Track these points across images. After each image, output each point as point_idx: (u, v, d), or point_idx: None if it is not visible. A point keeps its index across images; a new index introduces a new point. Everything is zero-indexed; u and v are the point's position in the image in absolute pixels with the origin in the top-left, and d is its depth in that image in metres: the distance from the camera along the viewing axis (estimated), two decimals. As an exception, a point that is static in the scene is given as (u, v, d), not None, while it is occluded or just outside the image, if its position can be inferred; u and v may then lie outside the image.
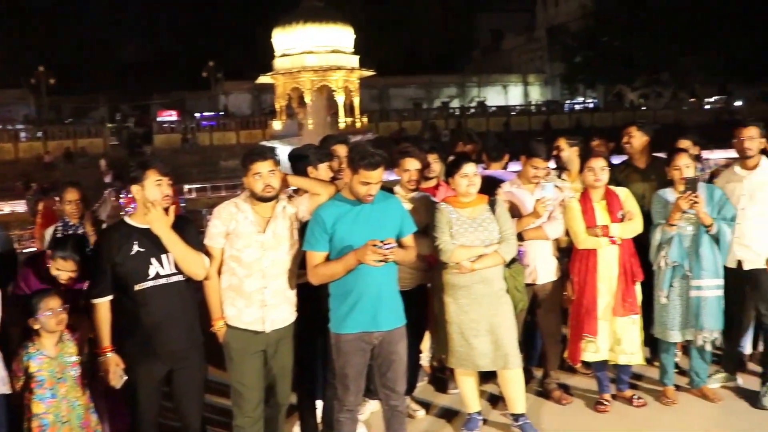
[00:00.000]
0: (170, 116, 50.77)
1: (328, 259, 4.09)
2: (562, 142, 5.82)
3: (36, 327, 3.99)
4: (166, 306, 4.02)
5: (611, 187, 5.13)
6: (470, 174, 4.61)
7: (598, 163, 5.03)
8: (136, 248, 3.97)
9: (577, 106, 59.26)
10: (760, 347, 5.60)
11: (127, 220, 4.09)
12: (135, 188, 3.99)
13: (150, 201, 3.94)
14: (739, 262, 5.17)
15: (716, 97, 58.31)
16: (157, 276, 4.01)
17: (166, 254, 4.01)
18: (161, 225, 3.95)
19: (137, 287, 3.98)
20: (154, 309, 4.00)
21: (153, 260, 4.00)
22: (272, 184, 4.07)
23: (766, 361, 5.23)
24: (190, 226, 4.21)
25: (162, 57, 65.69)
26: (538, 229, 5.08)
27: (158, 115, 51.44)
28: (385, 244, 3.82)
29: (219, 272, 4.20)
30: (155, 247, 3.99)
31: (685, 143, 5.73)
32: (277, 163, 4.17)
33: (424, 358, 5.68)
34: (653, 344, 5.42)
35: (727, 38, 49.29)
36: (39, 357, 4.01)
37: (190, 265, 4.03)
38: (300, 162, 4.73)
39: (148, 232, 3.99)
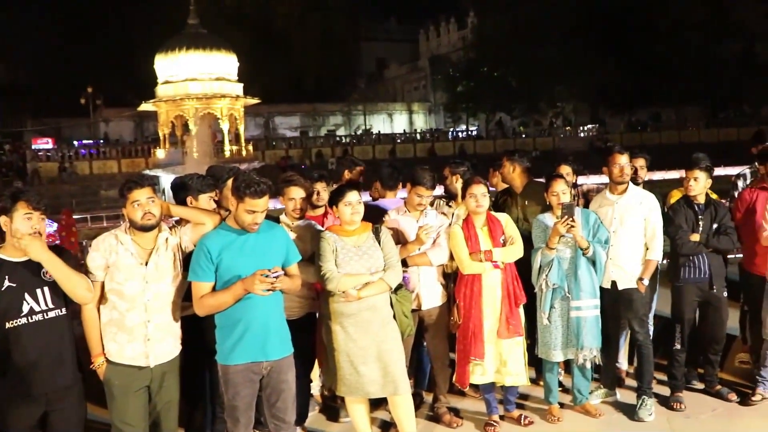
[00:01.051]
0: (46, 144, 48.51)
1: (214, 289, 4.00)
2: (447, 171, 5.96)
3: None
4: (42, 344, 3.78)
5: (492, 213, 5.28)
6: (354, 202, 4.62)
7: (479, 189, 5.16)
8: (6, 283, 3.73)
9: (460, 134, 60.93)
10: (636, 362, 5.87)
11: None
12: (3, 219, 3.76)
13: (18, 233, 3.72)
14: (614, 283, 5.42)
15: (590, 126, 61.48)
16: (32, 312, 3.77)
17: (41, 288, 3.79)
18: (38, 248, 3.70)
19: (9, 325, 3.73)
20: (28, 347, 3.75)
21: (26, 295, 3.76)
22: (152, 212, 3.95)
23: (640, 376, 5.49)
24: (68, 255, 3.99)
25: (36, 81, 62.74)
26: (422, 256, 5.15)
27: (33, 143, 49.03)
28: (272, 273, 3.78)
29: (98, 306, 4.01)
30: (29, 281, 3.77)
31: (564, 169, 5.98)
32: (156, 191, 4.05)
33: (315, 387, 5.63)
34: (537, 364, 5.59)
35: (597, 69, 52.11)
36: None
37: (76, 288, 3.82)
38: (181, 192, 4.63)
39: (19, 266, 3.77)
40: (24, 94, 60.00)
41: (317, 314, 5.05)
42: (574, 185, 6.20)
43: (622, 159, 5.41)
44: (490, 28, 57.80)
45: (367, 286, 4.55)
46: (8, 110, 55.63)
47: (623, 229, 5.37)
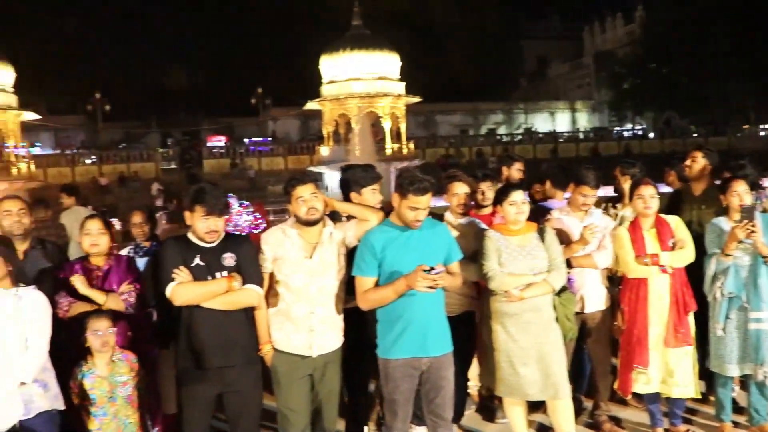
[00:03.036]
0: (219, 141, 51.63)
1: (377, 284, 4.08)
2: (617, 171, 5.74)
3: (87, 345, 4.09)
4: (219, 322, 4.01)
5: (662, 215, 5.03)
6: (518, 201, 4.58)
7: (648, 191, 4.94)
8: (197, 261, 4.02)
9: (625, 133, 58.56)
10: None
11: (190, 236, 4.11)
12: (187, 215, 4.06)
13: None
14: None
15: (772, 123, 57.06)
16: None
17: (220, 272, 4.03)
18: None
19: None
20: (207, 324, 4.00)
21: (209, 276, 4.02)
22: (316, 207, 4.11)
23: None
24: (248, 246, 4.22)
25: (212, 83, 67.07)
26: (587, 257, 5.00)
27: (207, 141, 52.36)
28: (434, 270, 3.81)
29: (267, 297, 4.22)
30: (214, 264, 4.03)
31: (743, 170, 5.59)
32: (319, 187, 4.20)
33: (473, 386, 5.62)
34: (709, 378, 5.26)
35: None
36: (91, 376, 4.12)
37: (241, 305, 4.08)
38: (345, 188, 4.75)
39: (206, 250, 4.05)
40: (201, 95, 64.35)
41: (477, 313, 5.04)
42: (755, 186, 5.78)
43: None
44: (660, 22, 55.01)
45: (530, 287, 4.49)
46: (187, 110, 59.78)
47: (812, 236, 4.93)
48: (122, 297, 4.39)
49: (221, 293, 3.98)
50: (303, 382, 4.23)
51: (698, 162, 5.65)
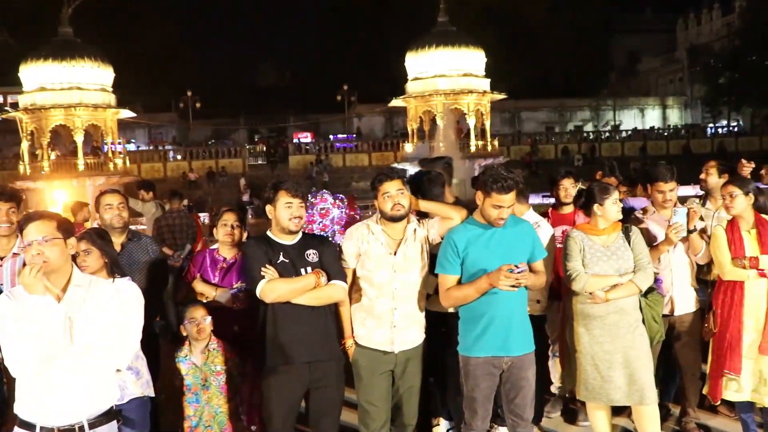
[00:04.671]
0: (305, 138, 52.44)
1: (459, 282, 4.08)
2: (713, 167, 5.53)
3: (184, 334, 4.25)
4: (306, 317, 4.05)
5: (765, 216, 4.82)
6: (617, 199, 4.51)
7: (729, 189, 4.76)
8: (281, 258, 4.09)
9: (720, 130, 56.34)
10: None
11: (271, 235, 4.19)
12: (269, 208, 4.14)
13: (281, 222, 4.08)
14: None
15: None
16: None
17: (305, 268, 4.08)
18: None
19: None
20: (295, 319, 4.04)
21: (295, 272, 4.07)
22: (401, 203, 4.12)
23: None
24: (329, 244, 4.30)
25: (298, 81, 68.25)
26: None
27: (294, 137, 53.27)
28: (517, 269, 3.78)
29: (350, 293, 4.27)
30: (298, 260, 4.10)
31: None
32: (405, 183, 4.22)
33: (555, 388, 5.55)
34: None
35: None
36: (187, 363, 4.31)
37: (329, 300, 4.13)
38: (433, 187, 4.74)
39: (289, 247, 4.12)
40: (288, 92, 65.54)
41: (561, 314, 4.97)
42: None
43: None
44: (761, 12, 52.56)
45: (615, 288, 4.38)
46: (274, 107, 60.96)
47: None
48: (233, 291, 4.54)
49: (310, 289, 4.04)
50: (384, 378, 4.27)
51: None
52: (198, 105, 52.63)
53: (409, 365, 4.28)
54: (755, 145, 45.93)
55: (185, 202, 10.60)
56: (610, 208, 4.49)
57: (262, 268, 4.01)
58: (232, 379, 4.38)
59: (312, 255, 4.12)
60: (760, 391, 4.72)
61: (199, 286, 4.60)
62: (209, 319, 4.27)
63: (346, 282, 4.18)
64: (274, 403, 4.10)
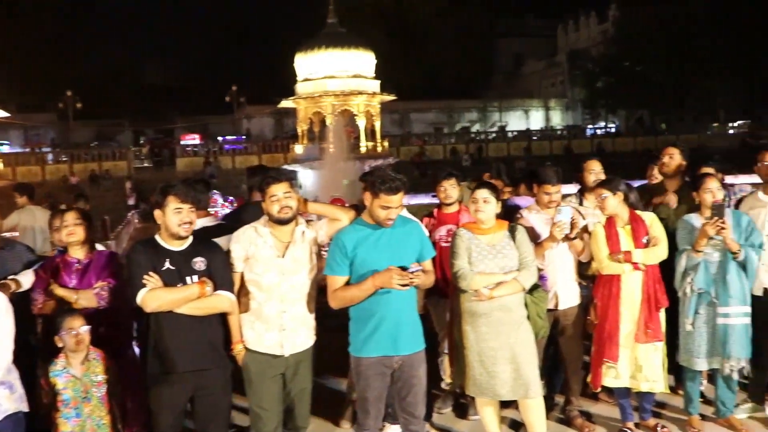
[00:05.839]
0: (193, 140, 51.27)
1: (348, 283, 4.07)
2: (595, 165, 5.75)
3: (60, 345, 4.03)
4: (190, 325, 3.97)
5: (637, 212, 5.07)
6: (479, 199, 4.57)
7: (599, 191, 5.02)
8: (167, 265, 3.97)
9: (598, 131, 59.06)
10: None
11: (158, 239, 4.07)
12: (157, 213, 4.02)
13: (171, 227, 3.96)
14: (766, 290, 5.07)
15: (740, 122, 57.80)
16: None
17: (191, 276, 3.99)
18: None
19: None
20: (179, 328, 3.96)
21: (181, 280, 3.98)
22: (289, 205, 4.08)
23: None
24: (219, 252, 4.19)
25: (185, 81, 66.61)
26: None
27: (181, 139, 51.97)
28: (411, 268, 3.83)
29: (238, 296, 4.19)
30: (184, 268, 3.99)
31: (708, 169, 5.67)
32: (294, 185, 4.18)
33: (446, 384, 5.64)
34: (678, 372, 5.33)
35: (754, 63, 48.84)
36: (65, 375, 4.06)
37: (213, 311, 4.05)
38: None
39: (176, 254, 4.01)
40: (175, 93, 63.86)
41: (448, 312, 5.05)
42: (724, 185, 5.85)
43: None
44: (633, 21, 55.53)
45: (500, 286, 4.48)
46: (161, 108, 59.30)
47: (778, 233, 5.01)
48: (95, 291, 4.33)
49: (193, 299, 3.95)
50: (275, 381, 4.21)
51: (675, 159, 5.70)
52: (79, 105, 50.45)
53: (299, 368, 4.25)
54: (630, 146, 48.39)
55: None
56: (470, 206, 4.66)
57: (145, 276, 3.88)
58: (112, 388, 4.20)
59: (200, 263, 4.02)
60: (636, 377, 4.96)
61: (58, 291, 4.33)
62: (87, 328, 4.07)
63: (233, 292, 4.11)
64: (158, 411, 4.02)
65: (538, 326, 4.70)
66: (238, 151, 45.06)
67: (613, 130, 60.22)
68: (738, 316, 4.89)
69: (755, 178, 5.31)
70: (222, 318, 4.17)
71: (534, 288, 4.71)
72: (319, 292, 4.32)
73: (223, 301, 4.05)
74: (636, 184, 5.84)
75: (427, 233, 4.58)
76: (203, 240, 4.21)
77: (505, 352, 4.51)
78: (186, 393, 4.05)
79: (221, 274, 4.07)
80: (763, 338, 5.10)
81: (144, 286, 3.88)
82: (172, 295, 3.91)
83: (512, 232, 4.63)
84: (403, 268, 3.87)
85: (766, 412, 5.32)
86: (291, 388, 4.27)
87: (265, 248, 4.13)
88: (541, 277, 4.93)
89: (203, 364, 4.02)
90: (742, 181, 5.61)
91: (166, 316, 3.93)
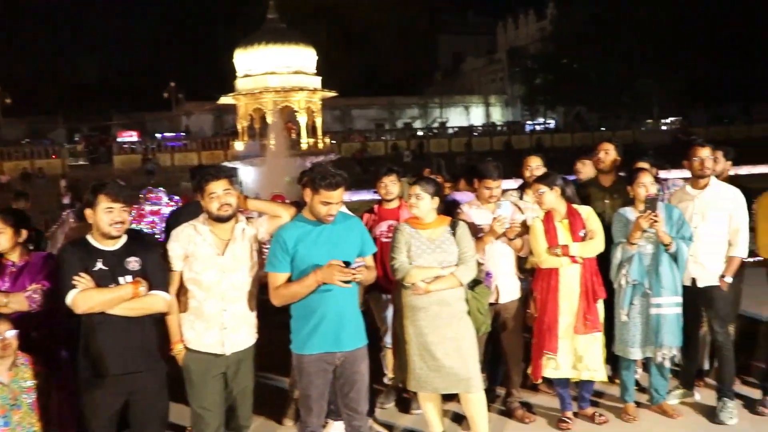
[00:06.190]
0: (130, 137, 50.22)
1: (290, 280, 4.06)
2: (535, 161, 5.84)
3: None
4: (123, 328, 3.87)
5: (574, 206, 5.18)
6: (413, 194, 4.62)
7: (536, 186, 5.11)
8: (99, 265, 3.87)
9: (537, 127, 60.03)
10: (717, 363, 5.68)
11: (90, 239, 3.96)
12: (88, 212, 3.91)
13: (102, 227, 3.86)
14: (694, 280, 5.25)
15: (673, 118, 59.53)
16: None
17: (124, 276, 3.89)
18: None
19: None
20: (111, 330, 3.85)
21: (113, 281, 3.87)
22: (228, 203, 4.04)
23: (721, 378, 5.31)
24: (155, 251, 4.11)
25: (122, 77, 65.11)
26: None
27: (118, 136, 50.84)
28: (354, 264, 3.84)
29: (178, 295, 4.13)
30: (117, 268, 3.89)
31: (642, 164, 5.81)
32: (233, 182, 4.13)
33: (388, 379, 5.67)
34: (614, 362, 5.47)
35: (686, 62, 50.36)
36: None
37: (147, 312, 3.95)
38: None
39: (109, 254, 3.91)
40: (112, 89, 62.39)
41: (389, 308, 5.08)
42: (657, 179, 6.02)
43: (704, 152, 5.23)
44: (570, 19, 56.61)
45: (437, 280, 4.52)
46: (97, 104, 57.89)
47: (705, 224, 5.20)
48: (26, 294, 4.20)
49: (126, 300, 3.86)
50: (216, 381, 4.16)
51: (610, 154, 5.82)
52: (8, 101, 48.84)
53: (241, 366, 4.20)
54: (567, 141, 49.32)
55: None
56: (409, 201, 4.71)
57: (75, 277, 3.78)
58: (42, 394, 4.07)
59: (134, 263, 3.93)
60: (577, 367, 5.08)
61: None
62: (14, 333, 3.93)
63: (168, 291, 4.03)
64: (91, 416, 3.91)
65: (479, 322, 4.74)
66: (177, 149, 44.32)
67: (551, 126, 61.26)
68: (670, 306, 5.05)
69: (687, 173, 5.48)
70: (159, 319, 4.08)
71: (476, 284, 4.76)
72: (260, 290, 4.29)
73: (158, 301, 3.96)
74: (573, 178, 5.98)
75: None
76: (138, 239, 4.11)
77: (444, 347, 4.54)
78: (119, 397, 3.94)
79: (156, 273, 3.97)
80: (691, 327, 5.29)
81: (74, 287, 3.78)
82: (104, 295, 3.81)
83: (453, 227, 4.66)
84: (346, 264, 3.88)
85: (695, 397, 5.52)
86: (233, 387, 4.22)
87: (204, 246, 4.08)
88: (487, 274, 5.00)
89: (137, 367, 3.92)
90: (675, 175, 5.78)
91: (98, 317, 3.83)
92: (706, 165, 5.23)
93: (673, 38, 49.74)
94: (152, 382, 4.01)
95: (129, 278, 3.89)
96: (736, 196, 5.29)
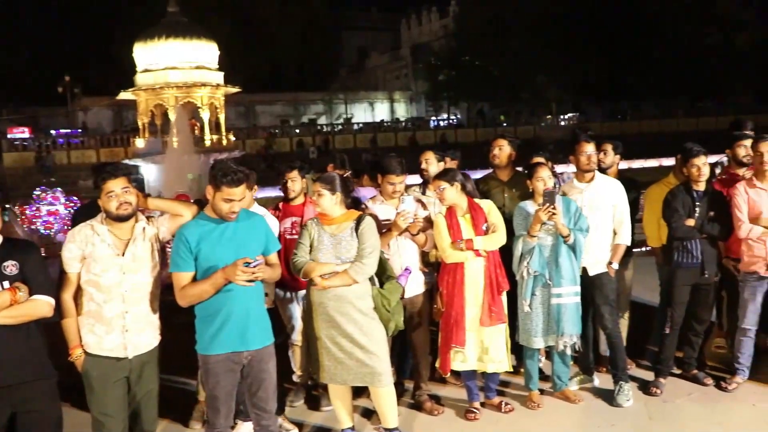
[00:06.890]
0: (22, 133, 47.92)
1: (194, 279, 3.97)
2: (430, 156, 5.91)
3: None
4: (5, 337, 3.62)
5: (476, 200, 5.28)
6: (314, 191, 4.64)
7: (437, 183, 5.18)
8: None
9: (441, 123, 60.91)
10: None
11: None
12: None
13: None
14: (584, 269, 5.45)
15: (570, 114, 61.62)
16: None
17: (1, 282, 3.66)
18: None
19: None
20: None
21: None
22: (128, 201, 3.91)
23: (614, 363, 5.55)
24: (34, 253, 3.88)
25: (12, 70, 61.89)
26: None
27: (8, 132, 48.41)
28: (253, 263, 3.77)
29: (75, 299, 3.98)
30: None
31: (539, 159, 5.98)
32: (132, 180, 4.01)
33: (297, 377, 5.64)
34: (518, 351, 5.61)
35: (579, 59, 52.20)
36: None
37: (29, 318, 3.71)
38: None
39: None
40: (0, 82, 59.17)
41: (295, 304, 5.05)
42: (555, 173, 6.21)
43: (589, 147, 5.48)
44: (472, 17, 57.69)
45: (333, 276, 4.53)
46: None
47: (592, 216, 5.41)
48: None
49: (5, 307, 3.61)
50: (118, 386, 4.02)
51: (504, 149, 5.96)
52: None
53: (145, 369, 4.08)
54: (471, 137, 50.28)
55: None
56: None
57: None
58: None
59: (11, 267, 3.68)
60: (482, 359, 5.18)
61: None
62: None
63: (52, 295, 3.81)
64: None
65: (385, 318, 4.72)
66: (74, 146, 42.57)
67: (455, 121, 62.26)
68: (569, 296, 5.23)
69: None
70: (41, 327, 3.86)
71: (388, 280, 4.79)
72: (163, 290, 4.18)
73: (41, 306, 3.73)
74: (477, 174, 6.10)
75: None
76: (14, 242, 3.88)
77: (347, 341, 4.57)
78: (5, 410, 3.69)
79: (37, 276, 3.75)
80: (585, 314, 5.49)
81: None
82: None
83: (358, 222, 4.67)
84: (247, 264, 3.81)
85: (595, 382, 5.75)
86: (136, 392, 4.09)
87: (103, 247, 3.93)
88: (405, 269, 5.02)
89: (23, 377, 3.68)
90: (572, 169, 5.97)
91: None
92: (592, 160, 5.48)
93: (561, 37, 51.41)
94: (42, 390, 3.78)
95: (6, 284, 3.66)
96: (618, 189, 5.59)
